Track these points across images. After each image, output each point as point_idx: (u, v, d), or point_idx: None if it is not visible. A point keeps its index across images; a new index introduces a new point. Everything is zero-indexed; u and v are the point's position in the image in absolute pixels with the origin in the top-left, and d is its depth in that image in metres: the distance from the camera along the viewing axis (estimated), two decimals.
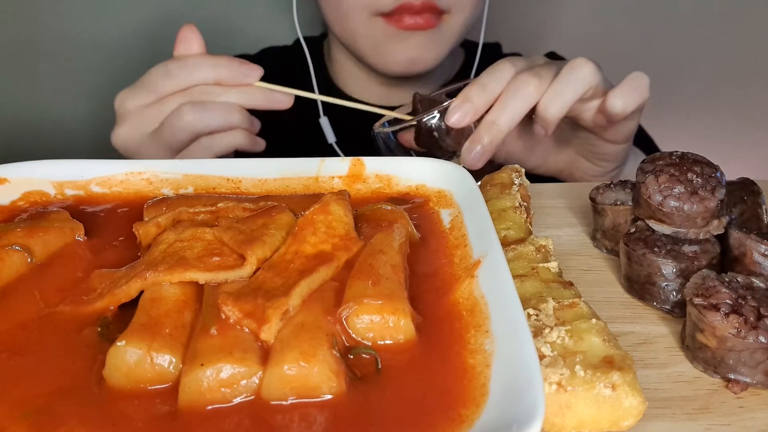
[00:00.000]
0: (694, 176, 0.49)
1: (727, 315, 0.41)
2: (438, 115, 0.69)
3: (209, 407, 0.34)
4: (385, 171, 0.57)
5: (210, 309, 0.38)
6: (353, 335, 0.39)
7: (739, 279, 0.44)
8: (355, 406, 0.35)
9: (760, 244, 0.46)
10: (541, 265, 0.48)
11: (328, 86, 1.05)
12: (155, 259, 0.42)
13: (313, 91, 1.02)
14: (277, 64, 1.08)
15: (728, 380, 0.42)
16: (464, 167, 0.54)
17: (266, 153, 0.76)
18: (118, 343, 0.36)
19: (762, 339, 0.40)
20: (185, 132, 0.70)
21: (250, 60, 0.73)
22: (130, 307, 0.40)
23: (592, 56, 0.68)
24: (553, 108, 0.66)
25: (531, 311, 0.42)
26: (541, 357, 0.38)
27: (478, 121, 0.66)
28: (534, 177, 0.62)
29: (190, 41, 0.73)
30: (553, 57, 0.98)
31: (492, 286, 0.41)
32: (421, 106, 0.73)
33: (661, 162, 0.51)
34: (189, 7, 1.19)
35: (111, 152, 0.75)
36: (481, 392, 0.35)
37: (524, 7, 1.30)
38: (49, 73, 1.20)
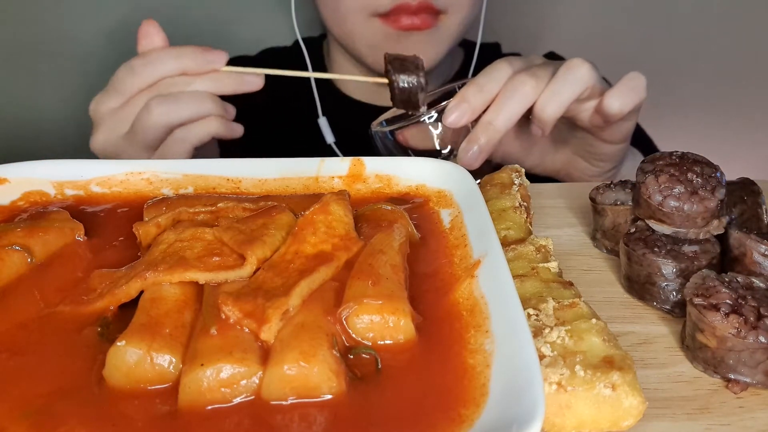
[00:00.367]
0: (694, 176, 0.49)
1: (727, 315, 0.41)
2: (436, 115, 0.69)
3: (209, 407, 0.34)
4: (385, 171, 0.57)
5: (210, 309, 0.38)
6: (353, 335, 0.39)
7: (739, 279, 0.44)
8: (355, 406, 0.35)
9: (760, 244, 0.46)
10: (541, 265, 0.48)
11: (327, 86, 1.05)
12: (155, 259, 0.42)
13: (311, 91, 1.02)
14: (277, 65, 1.08)
15: (728, 380, 0.42)
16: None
17: (266, 153, 0.76)
18: (118, 343, 0.36)
19: (762, 339, 0.40)
20: (157, 127, 0.69)
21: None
22: (130, 307, 0.40)
23: (591, 56, 0.68)
24: (550, 108, 0.66)
25: (531, 311, 0.42)
26: (541, 357, 0.38)
27: (476, 121, 0.66)
28: (532, 177, 0.62)
29: (151, 36, 0.72)
30: (553, 57, 0.98)
31: (492, 286, 0.41)
32: (392, 67, 0.69)
33: (661, 162, 0.51)
34: (189, 8, 1.19)
35: None
36: (481, 392, 0.35)
37: (523, 6, 1.29)
38: (49, 73, 1.20)
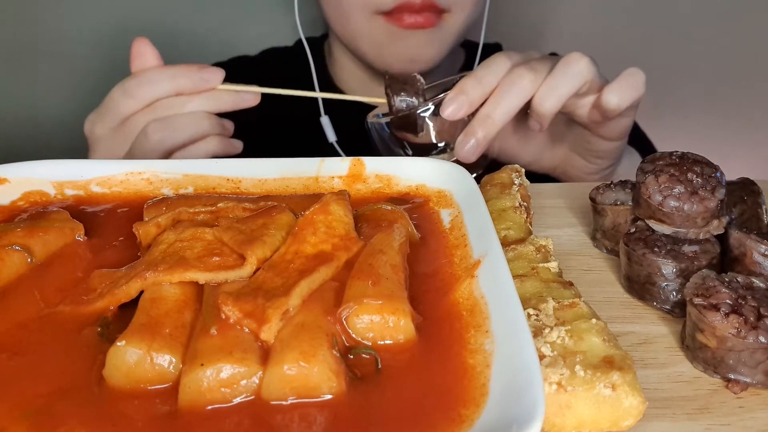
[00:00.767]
0: (694, 176, 0.49)
1: (727, 315, 0.41)
2: (433, 107, 0.68)
3: (209, 407, 0.34)
4: (385, 171, 0.57)
5: (210, 309, 0.38)
6: (353, 335, 0.39)
7: (739, 279, 0.44)
8: (355, 406, 0.35)
9: (760, 244, 0.46)
10: (541, 265, 0.48)
11: (329, 86, 1.05)
12: (155, 259, 0.42)
13: (314, 90, 1.02)
14: (278, 64, 1.08)
15: (728, 380, 0.42)
16: (457, 160, 0.54)
17: (266, 153, 0.76)
18: (118, 343, 0.36)
19: (762, 339, 0.40)
20: (156, 152, 0.68)
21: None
22: (130, 307, 0.40)
23: (592, 55, 0.68)
24: (549, 102, 0.65)
25: (531, 311, 0.42)
26: (541, 357, 0.38)
27: (473, 114, 0.66)
28: (530, 175, 0.62)
29: (144, 55, 0.71)
30: None
31: (492, 286, 0.41)
32: (391, 89, 0.70)
33: (661, 162, 0.51)
34: (190, 9, 1.19)
35: None
36: (481, 392, 0.35)
37: (525, 6, 1.30)
38: (49, 73, 1.20)
